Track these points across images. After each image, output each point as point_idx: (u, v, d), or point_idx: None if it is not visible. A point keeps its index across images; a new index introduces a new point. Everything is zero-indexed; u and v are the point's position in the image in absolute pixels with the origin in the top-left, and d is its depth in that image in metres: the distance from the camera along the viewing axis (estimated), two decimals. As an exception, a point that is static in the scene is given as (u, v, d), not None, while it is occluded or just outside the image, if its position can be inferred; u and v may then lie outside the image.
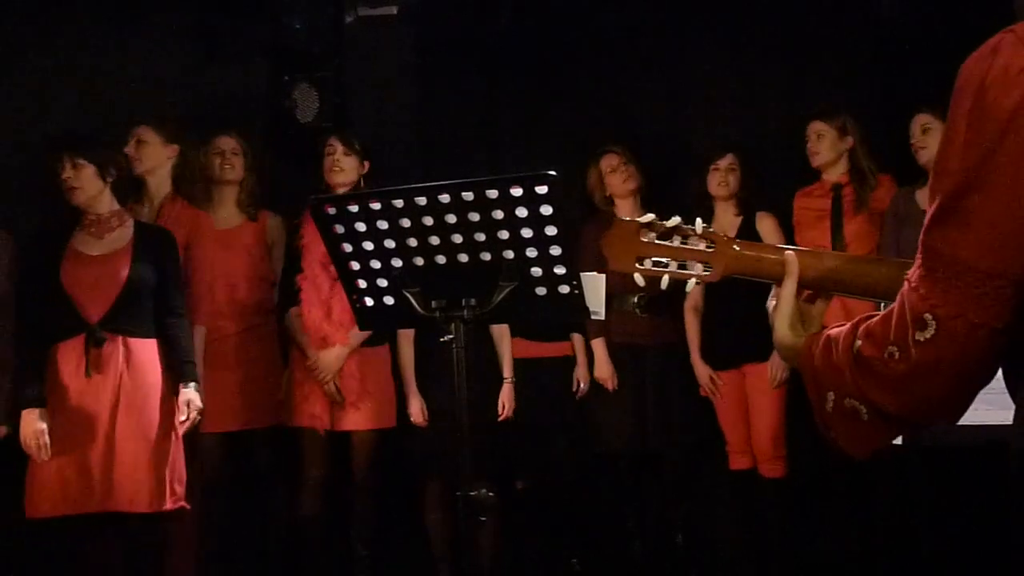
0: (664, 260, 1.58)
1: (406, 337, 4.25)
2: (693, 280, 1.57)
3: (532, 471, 4.53)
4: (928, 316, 1.14)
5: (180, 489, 3.59)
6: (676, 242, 1.57)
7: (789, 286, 1.48)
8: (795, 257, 1.49)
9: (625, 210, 4.55)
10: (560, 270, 2.38)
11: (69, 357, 3.53)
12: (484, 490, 2.39)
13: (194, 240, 4.02)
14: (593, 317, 2.38)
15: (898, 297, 1.20)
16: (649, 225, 1.58)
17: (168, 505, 3.53)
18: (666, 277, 1.57)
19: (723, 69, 5.08)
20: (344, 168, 4.19)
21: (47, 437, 3.45)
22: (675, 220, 1.58)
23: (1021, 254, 1.09)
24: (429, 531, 4.26)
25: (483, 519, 2.38)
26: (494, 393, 4.25)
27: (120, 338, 3.55)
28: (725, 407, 4.45)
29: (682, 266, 1.57)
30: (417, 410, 4.19)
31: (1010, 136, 1.07)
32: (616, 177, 4.57)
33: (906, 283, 1.18)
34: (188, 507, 3.63)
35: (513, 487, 4.51)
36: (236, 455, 4.20)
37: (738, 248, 1.55)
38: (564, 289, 2.40)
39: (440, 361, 3.63)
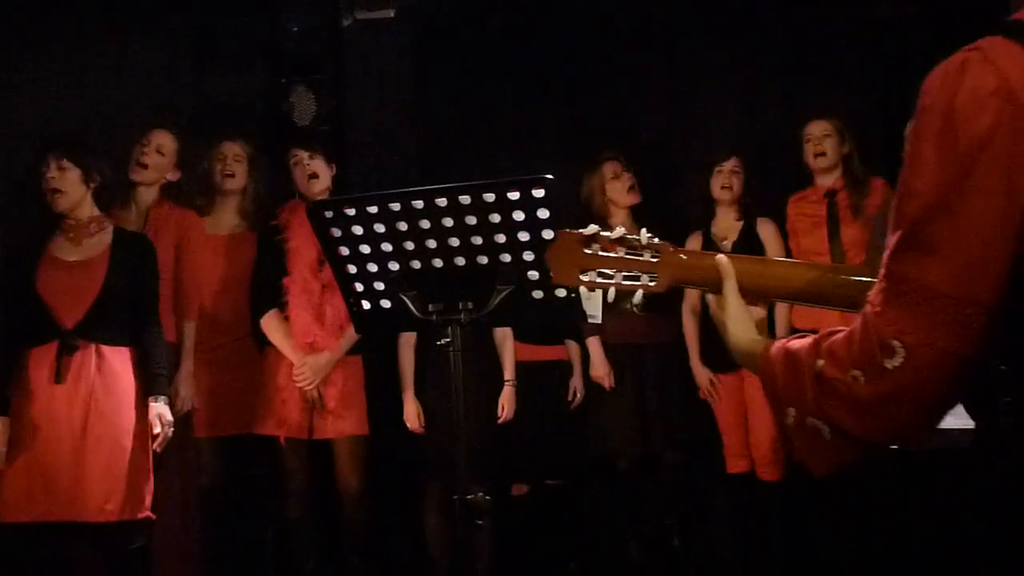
0: (610, 271, 1.55)
1: (407, 342, 4.24)
2: (640, 292, 1.54)
3: (529, 474, 4.53)
4: (895, 343, 1.11)
5: (148, 499, 3.55)
6: (621, 253, 1.55)
7: (729, 286, 1.47)
8: (727, 260, 1.49)
9: (619, 218, 4.53)
10: (557, 273, 2.37)
11: (42, 363, 3.49)
12: (481, 493, 2.39)
13: (184, 242, 4.04)
14: (590, 321, 2.38)
15: (860, 318, 1.17)
16: (593, 237, 1.56)
17: (136, 515, 3.49)
18: (612, 289, 1.55)
19: (721, 73, 5.08)
20: (317, 172, 4.13)
21: (4, 447, 3.42)
22: (619, 231, 1.56)
23: (992, 281, 1.07)
24: (427, 534, 4.25)
25: (480, 522, 2.38)
26: (493, 396, 4.24)
27: (93, 346, 3.51)
28: (724, 410, 4.45)
29: (629, 277, 1.55)
30: (413, 416, 4.17)
31: (981, 162, 1.05)
32: (620, 185, 4.55)
33: (868, 305, 1.15)
34: (154, 517, 3.59)
35: (510, 490, 4.51)
36: (228, 461, 4.19)
37: (684, 257, 1.55)
38: (561, 292, 2.40)
39: (439, 364, 3.62)
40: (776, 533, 4.41)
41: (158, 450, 3.58)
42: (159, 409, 3.57)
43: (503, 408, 4.24)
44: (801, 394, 1.22)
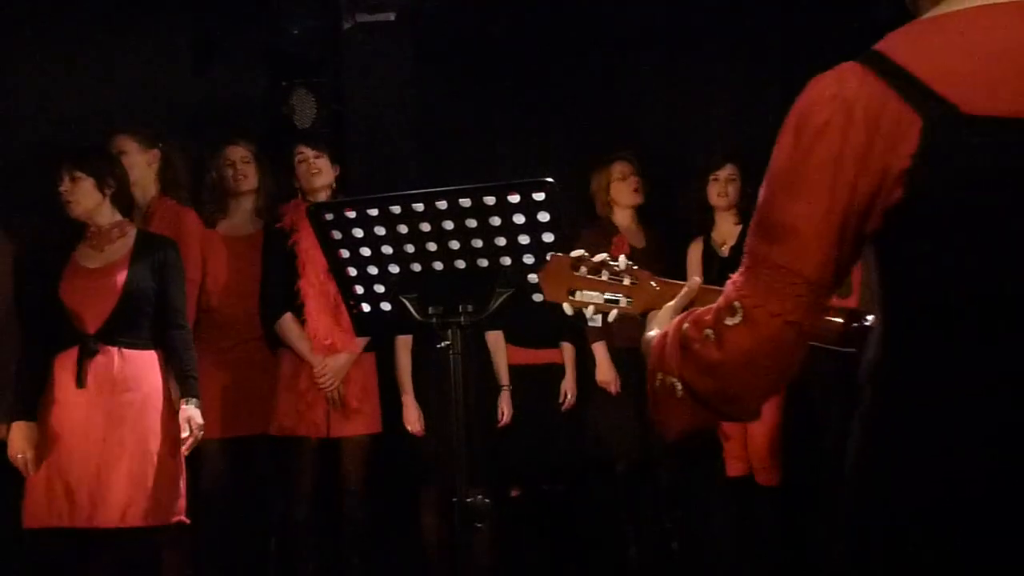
0: (594, 293, 1.70)
1: (404, 345, 4.25)
2: (615, 311, 1.69)
3: (527, 477, 4.53)
4: (737, 304, 1.29)
5: (179, 503, 3.54)
6: (604, 276, 1.69)
7: (681, 300, 1.60)
8: (698, 282, 1.63)
9: (624, 219, 4.60)
10: (557, 276, 2.38)
11: (65, 368, 3.50)
12: (480, 496, 2.39)
13: (178, 238, 3.95)
14: (590, 324, 2.37)
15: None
16: (580, 259, 1.70)
17: (164, 520, 3.49)
18: (591, 307, 1.69)
19: (721, 78, 5.09)
20: (321, 169, 4.16)
21: (31, 452, 3.44)
22: (601, 256, 1.70)
23: (816, 258, 1.25)
24: (425, 537, 4.25)
25: (479, 526, 2.38)
26: (491, 399, 4.25)
27: (116, 349, 3.51)
28: (722, 414, 4.45)
29: (611, 300, 1.69)
30: (414, 419, 4.18)
31: (816, 152, 1.23)
32: (625, 186, 4.60)
33: (730, 278, 1.33)
34: (188, 521, 3.58)
35: (508, 493, 4.51)
36: (235, 462, 4.19)
37: (654, 285, 1.67)
38: (561, 296, 2.40)
39: (438, 367, 3.63)
40: (775, 536, 4.41)
41: (186, 453, 3.56)
42: (189, 412, 3.54)
43: (503, 413, 4.25)
44: (670, 356, 1.39)
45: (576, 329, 4.38)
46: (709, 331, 1.32)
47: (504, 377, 4.31)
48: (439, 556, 4.22)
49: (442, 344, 2.45)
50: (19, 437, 3.45)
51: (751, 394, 1.34)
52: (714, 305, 1.34)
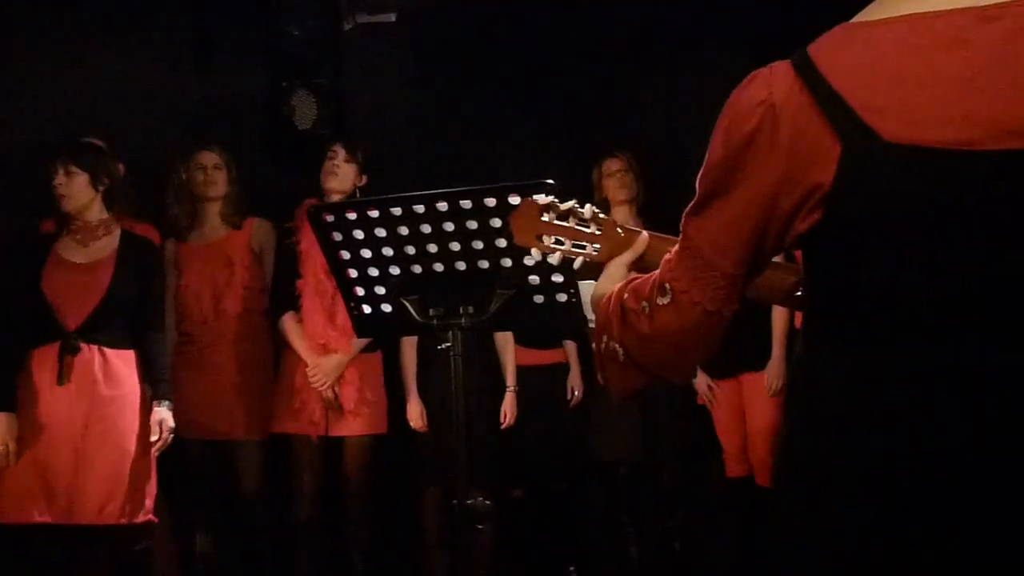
0: (562, 239, 1.72)
1: (409, 342, 4.26)
2: (580, 258, 1.71)
3: (529, 478, 4.53)
4: (667, 285, 1.36)
5: (149, 503, 3.55)
6: (572, 223, 1.72)
7: (628, 256, 1.67)
8: (647, 237, 1.69)
9: (619, 216, 4.58)
10: (558, 278, 2.39)
11: (44, 364, 3.50)
12: (481, 498, 2.39)
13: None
14: (591, 325, 2.37)
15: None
16: (548, 206, 1.72)
17: (134, 518, 3.49)
18: (557, 254, 1.72)
19: (721, 78, 5.08)
20: (340, 175, 4.18)
21: (14, 444, 3.43)
22: (570, 203, 1.72)
23: (734, 255, 1.31)
24: (426, 537, 4.25)
25: (480, 526, 2.38)
26: (494, 401, 4.25)
27: (96, 348, 3.52)
28: (722, 415, 4.45)
29: (578, 246, 1.71)
30: (417, 414, 4.19)
31: (744, 157, 1.28)
32: (612, 182, 4.60)
33: (667, 254, 1.41)
34: (156, 520, 3.59)
35: (510, 494, 4.51)
36: (227, 463, 4.19)
37: (620, 232, 1.70)
38: (562, 297, 2.41)
39: (441, 368, 3.63)
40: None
41: (156, 454, 3.58)
42: (162, 414, 3.58)
43: (505, 415, 4.24)
44: (610, 321, 1.46)
45: (578, 330, 4.38)
46: (645, 304, 1.39)
47: (510, 378, 4.31)
48: (440, 556, 4.22)
49: (443, 346, 2.45)
50: (1, 429, 3.44)
51: (681, 363, 1.44)
52: (652, 277, 1.40)
